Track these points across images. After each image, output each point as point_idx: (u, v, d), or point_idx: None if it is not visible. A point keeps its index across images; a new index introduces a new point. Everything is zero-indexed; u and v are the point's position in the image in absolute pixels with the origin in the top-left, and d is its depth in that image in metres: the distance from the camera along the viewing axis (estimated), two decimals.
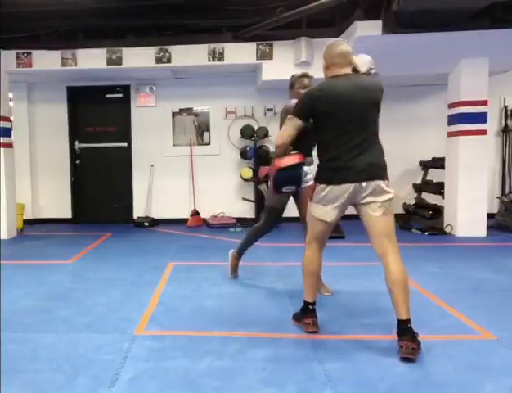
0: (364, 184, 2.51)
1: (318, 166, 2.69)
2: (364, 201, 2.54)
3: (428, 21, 4.63)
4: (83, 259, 4.83)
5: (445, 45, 5.08)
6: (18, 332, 2.84)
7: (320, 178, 2.64)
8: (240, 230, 6.36)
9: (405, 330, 2.46)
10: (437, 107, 6.59)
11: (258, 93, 6.91)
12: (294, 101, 3.30)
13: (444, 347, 2.57)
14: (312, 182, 3.20)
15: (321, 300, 3.39)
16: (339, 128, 2.55)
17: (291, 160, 2.80)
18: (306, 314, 2.81)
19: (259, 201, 6.72)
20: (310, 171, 3.42)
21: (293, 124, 2.66)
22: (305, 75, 3.47)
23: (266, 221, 3.76)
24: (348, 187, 2.52)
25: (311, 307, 2.81)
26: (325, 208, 2.62)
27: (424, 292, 3.54)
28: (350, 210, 2.71)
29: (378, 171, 2.53)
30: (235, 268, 3.98)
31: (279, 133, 2.81)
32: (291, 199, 3.69)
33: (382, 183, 2.52)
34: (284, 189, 3.07)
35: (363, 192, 2.52)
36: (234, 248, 4.00)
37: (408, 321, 2.47)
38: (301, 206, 3.49)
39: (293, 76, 3.54)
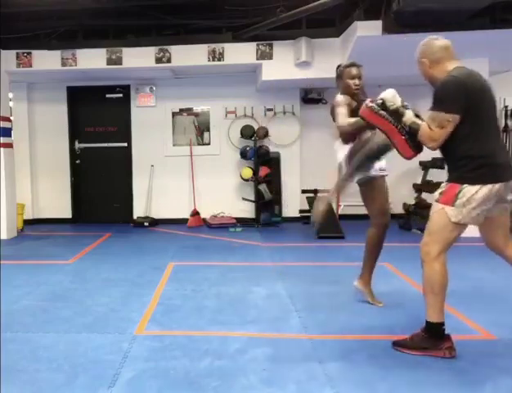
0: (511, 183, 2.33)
1: (463, 164, 2.35)
2: (504, 201, 2.37)
3: (428, 21, 4.62)
4: (83, 259, 4.83)
5: None
6: (18, 332, 2.84)
7: (468, 179, 2.32)
8: (240, 230, 6.36)
9: None
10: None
11: (258, 93, 6.92)
12: (340, 97, 3.23)
13: None
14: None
15: (320, 300, 3.40)
16: (490, 120, 2.36)
17: (408, 151, 2.51)
18: (442, 338, 2.42)
19: (259, 200, 6.74)
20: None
21: (450, 128, 2.32)
22: (353, 65, 3.28)
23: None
24: (500, 187, 2.30)
25: (443, 327, 2.41)
26: (474, 211, 2.30)
27: None
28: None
29: None
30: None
31: (436, 136, 2.36)
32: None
33: None
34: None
35: (508, 191, 2.34)
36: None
37: None
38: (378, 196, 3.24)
39: (339, 66, 3.36)
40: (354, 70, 3.26)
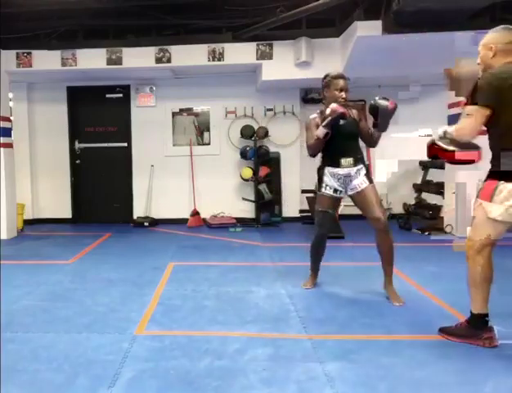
0: None
1: (499, 161, 2.41)
2: None
3: (428, 21, 4.63)
4: (83, 259, 4.83)
5: (445, 45, 5.07)
6: (18, 332, 2.84)
7: (504, 175, 2.37)
8: (240, 230, 6.36)
9: None
10: (437, 107, 6.58)
11: (258, 93, 6.91)
12: (313, 115, 3.45)
13: (444, 347, 2.57)
14: (367, 185, 3.33)
15: (320, 300, 3.40)
16: None
17: (470, 156, 2.56)
18: (483, 328, 2.54)
19: (259, 200, 6.74)
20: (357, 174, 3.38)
21: (483, 118, 2.39)
22: (341, 77, 3.35)
23: (318, 224, 3.53)
24: None
25: (487, 319, 2.55)
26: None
27: (424, 292, 3.54)
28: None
29: None
30: (312, 282, 3.71)
31: (470, 127, 2.45)
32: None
33: None
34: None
35: None
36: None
37: None
38: (363, 208, 3.38)
39: (327, 76, 3.41)
40: (342, 82, 3.33)
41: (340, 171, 3.34)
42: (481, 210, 2.47)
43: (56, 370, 2.35)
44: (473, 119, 2.42)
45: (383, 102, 3.20)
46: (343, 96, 3.32)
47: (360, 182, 3.35)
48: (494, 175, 2.43)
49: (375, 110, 3.23)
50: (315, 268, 3.69)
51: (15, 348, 2.61)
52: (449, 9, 4.36)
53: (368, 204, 3.33)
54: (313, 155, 3.41)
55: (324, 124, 3.21)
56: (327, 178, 3.39)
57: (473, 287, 2.53)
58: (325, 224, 3.51)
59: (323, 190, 3.41)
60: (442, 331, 2.70)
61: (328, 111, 3.19)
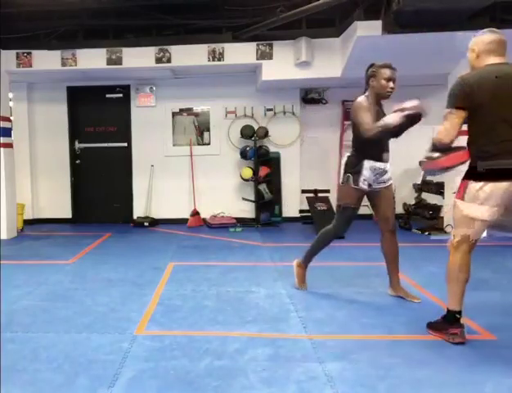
0: None
1: (471, 162, 2.50)
2: None
3: (428, 21, 4.63)
4: (83, 259, 4.83)
5: (445, 45, 5.08)
6: (18, 332, 2.84)
7: (472, 175, 2.48)
8: (240, 230, 6.36)
9: None
10: (437, 107, 6.58)
11: (258, 93, 6.91)
12: (362, 98, 3.23)
13: (444, 347, 2.57)
14: (391, 183, 3.30)
15: (320, 300, 3.40)
16: (498, 119, 2.42)
17: (456, 158, 2.56)
18: (452, 324, 2.60)
19: (259, 200, 6.74)
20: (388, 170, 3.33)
21: (457, 119, 2.47)
22: (389, 66, 3.20)
23: (339, 223, 3.42)
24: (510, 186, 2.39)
25: (457, 316, 2.60)
26: (482, 207, 2.44)
27: (424, 292, 3.54)
28: None
29: None
30: (303, 279, 3.64)
31: (445, 130, 2.52)
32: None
33: None
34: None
35: None
36: (298, 257, 3.71)
37: None
38: (380, 205, 3.35)
39: (372, 65, 3.25)
40: (390, 72, 3.19)
41: (381, 165, 3.24)
42: (456, 208, 2.55)
43: (56, 370, 2.35)
44: (447, 123, 2.51)
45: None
46: (392, 86, 3.19)
47: (389, 177, 3.32)
48: (466, 174, 2.51)
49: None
50: (310, 260, 3.61)
51: (15, 348, 2.61)
52: (449, 9, 4.37)
53: (386, 203, 3.30)
54: (373, 138, 3.11)
55: (402, 115, 2.95)
56: (366, 172, 3.22)
57: (448, 283, 2.61)
58: (346, 222, 3.38)
59: (361, 184, 3.23)
60: (428, 325, 2.79)
61: (409, 104, 2.96)
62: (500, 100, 2.41)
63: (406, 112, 2.95)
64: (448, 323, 2.62)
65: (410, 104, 2.97)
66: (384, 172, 3.28)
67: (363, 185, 3.24)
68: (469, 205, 2.47)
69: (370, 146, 3.21)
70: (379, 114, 3.24)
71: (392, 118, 2.99)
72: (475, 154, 2.48)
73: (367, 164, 3.22)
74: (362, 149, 3.26)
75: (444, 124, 2.51)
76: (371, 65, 3.28)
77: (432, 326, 2.75)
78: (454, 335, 2.58)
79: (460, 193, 2.52)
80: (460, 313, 2.59)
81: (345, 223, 3.41)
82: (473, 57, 2.57)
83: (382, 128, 3.03)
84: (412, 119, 3.02)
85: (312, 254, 3.60)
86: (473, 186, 2.45)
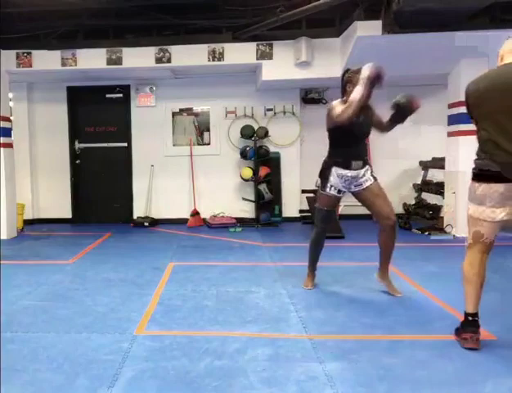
0: None
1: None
2: None
3: (428, 21, 4.63)
4: (83, 259, 4.83)
5: (445, 45, 5.08)
6: (18, 332, 2.84)
7: (473, 176, 2.50)
8: (240, 230, 6.36)
9: None
10: (437, 107, 6.58)
11: (258, 93, 6.91)
12: (336, 101, 3.31)
13: (444, 347, 2.57)
14: (372, 182, 3.33)
15: (320, 300, 3.40)
16: (497, 122, 2.40)
17: None
18: (465, 328, 2.54)
19: (259, 200, 6.74)
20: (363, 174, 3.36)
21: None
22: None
23: (316, 222, 3.57)
24: (506, 187, 2.38)
25: (470, 318, 2.51)
26: (480, 207, 2.46)
27: (424, 292, 3.54)
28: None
29: None
30: (311, 283, 3.69)
31: None
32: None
33: None
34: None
35: None
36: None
37: None
38: (373, 204, 3.36)
39: (347, 71, 3.33)
40: None
41: (349, 173, 3.30)
42: (467, 209, 2.56)
43: (56, 370, 2.35)
44: None
45: (404, 101, 3.17)
46: None
47: (365, 179, 3.33)
48: (473, 175, 2.52)
49: (398, 107, 3.20)
50: (312, 266, 3.67)
51: (15, 348, 2.61)
52: (449, 9, 4.36)
53: (376, 200, 3.32)
54: (350, 118, 3.13)
55: (363, 82, 3.03)
56: (333, 179, 3.34)
57: (463, 284, 2.56)
58: (327, 220, 3.52)
59: (327, 190, 3.37)
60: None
61: (366, 72, 3.03)
62: (499, 103, 2.39)
63: (366, 78, 3.02)
64: (462, 327, 2.57)
65: (367, 68, 3.04)
66: (355, 178, 3.31)
67: (330, 191, 3.36)
68: (473, 205, 2.50)
69: (339, 153, 3.32)
70: (368, 115, 3.31)
71: (355, 91, 3.07)
72: (476, 153, 2.52)
73: (335, 171, 3.33)
74: (332, 155, 3.38)
75: None
76: (347, 71, 3.34)
77: (455, 330, 2.64)
78: (465, 340, 2.52)
79: (468, 194, 2.54)
80: (473, 315, 2.50)
81: (322, 222, 3.52)
82: (498, 61, 2.59)
83: (352, 106, 3.07)
84: (373, 82, 3.04)
85: (312, 261, 3.66)
86: (474, 186, 2.49)
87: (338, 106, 3.25)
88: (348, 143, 3.29)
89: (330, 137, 3.42)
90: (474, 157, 2.51)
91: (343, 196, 3.46)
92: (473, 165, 2.51)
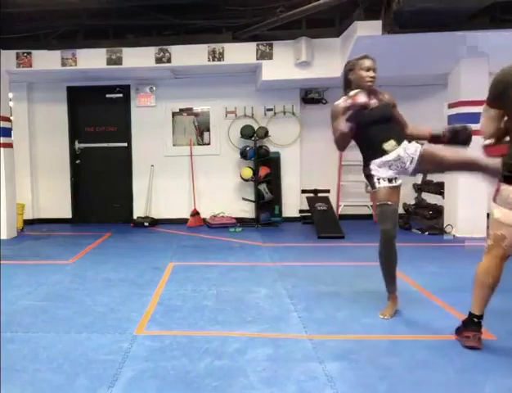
0: None
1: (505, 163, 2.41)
2: None
3: (428, 21, 4.63)
4: (83, 259, 4.83)
5: (445, 45, 5.08)
6: (18, 332, 2.84)
7: (505, 178, 2.38)
8: (240, 230, 6.36)
9: None
10: (437, 107, 6.58)
11: (258, 93, 6.91)
12: (340, 100, 3.10)
13: (444, 347, 2.57)
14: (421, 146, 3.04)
15: (320, 300, 3.40)
16: None
17: (501, 150, 2.47)
18: (467, 327, 2.52)
19: (259, 200, 6.74)
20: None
21: (492, 112, 2.39)
22: (366, 57, 3.05)
23: (380, 223, 3.07)
24: None
25: (476, 320, 2.50)
26: None
27: (424, 292, 3.54)
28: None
29: None
30: (392, 309, 3.10)
31: (482, 124, 2.48)
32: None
33: None
34: None
35: None
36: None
37: None
38: (435, 157, 3.05)
39: (349, 63, 3.14)
40: (367, 62, 3.02)
41: (388, 157, 2.96)
42: (492, 210, 2.47)
43: (56, 370, 2.35)
44: (483, 118, 2.44)
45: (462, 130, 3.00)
46: (372, 75, 3.02)
47: (412, 151, 2.98)
48: (505, 178, 2.40)
49: (452, 134, 3.03)
50: (391, 286, 3.08)
51: (15, 348, 2.61)
52: (449, 9, 4.36)
53: (436, 158, 2.98)
54: (342, 149, 3.14)
55: (346, 118, 2.92)
56: (377, 172, 2.99)
57: (474, 286, 2.53)
58: (387, 219, 2.96)
59: (377, 185, 2.98)
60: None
61: (348, 103, 2.92)
62: None
63: (349, 113, 2.93)
64: (464, 325, 2.56)
65: (348, 102, 2.96)
66: (399, 159, 2.97)
67: (382, 185, 2.98)
68: (500, 208, 2.39)
69: (367, 147, 3.08)
70: (378, 98, 3.10)
71: (342, 125, 2.96)
72: (507, 155, 2.37)
73: (373, 165, 3.01)
74: (363, 155, 3.13)
75: (482, 118, 2.46)
76: (348, 62, 3.18)
77: (456, 330, 2.64)
78: (466, 338, 2.50)
79: (494, 195, 2.44)
80: (478, 317, 2.49)
81: (385, 221, 3.00)
82: None
83: (340, 135, 3.00)
84: (358, 111, 2.92)
85: (390, 279, 3.09)
86: (505, 188, 2.36)
87: (335, 119, 3.07)
88: (369, 133, 3.02)
89: (355, 137, 3.13)
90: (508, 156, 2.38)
91: (399, 184, 3.03)
92: (506, 166, 2.37)
